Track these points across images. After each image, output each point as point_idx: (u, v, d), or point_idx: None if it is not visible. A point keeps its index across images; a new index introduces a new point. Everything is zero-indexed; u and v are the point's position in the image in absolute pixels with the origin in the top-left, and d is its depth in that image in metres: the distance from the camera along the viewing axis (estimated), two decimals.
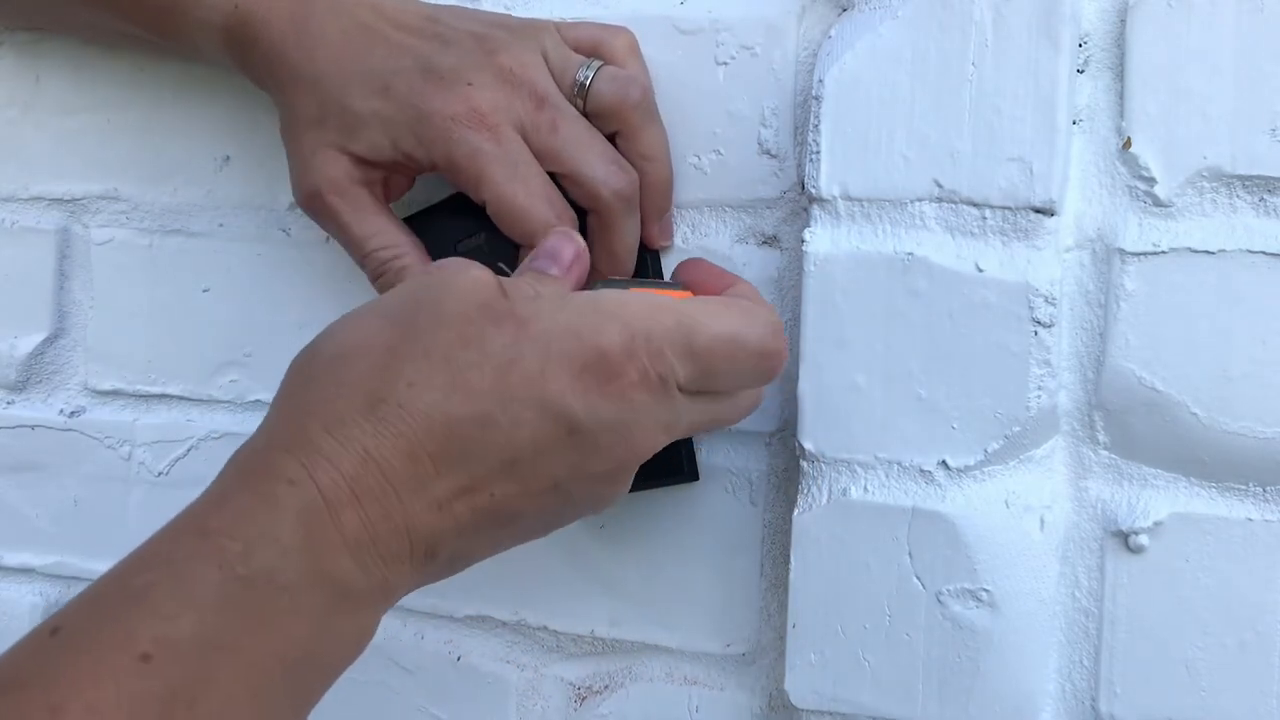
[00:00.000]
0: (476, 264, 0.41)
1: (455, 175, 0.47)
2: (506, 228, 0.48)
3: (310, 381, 0.39)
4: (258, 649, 0.34)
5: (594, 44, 0.50)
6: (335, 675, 0.38)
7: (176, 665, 0.33)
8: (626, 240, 0.50)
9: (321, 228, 0.51)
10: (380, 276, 0.50)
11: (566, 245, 0.44)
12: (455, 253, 0.50)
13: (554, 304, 0.40)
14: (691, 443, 0.52)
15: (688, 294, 0.44)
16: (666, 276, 0.53)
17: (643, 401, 0.40)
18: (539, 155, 0.48)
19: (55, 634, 0.33)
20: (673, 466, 0.51)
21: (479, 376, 0.38)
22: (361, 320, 0.40)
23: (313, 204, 0.50)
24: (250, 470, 0.37)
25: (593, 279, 0.47)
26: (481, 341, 0.38)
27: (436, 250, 0.51)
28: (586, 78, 0.49)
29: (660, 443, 0.41)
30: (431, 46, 0.48)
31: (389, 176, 0.50)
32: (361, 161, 0.49)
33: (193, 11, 0.50)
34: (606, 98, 0.49)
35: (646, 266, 0.52)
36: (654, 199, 0.51)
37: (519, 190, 0.47)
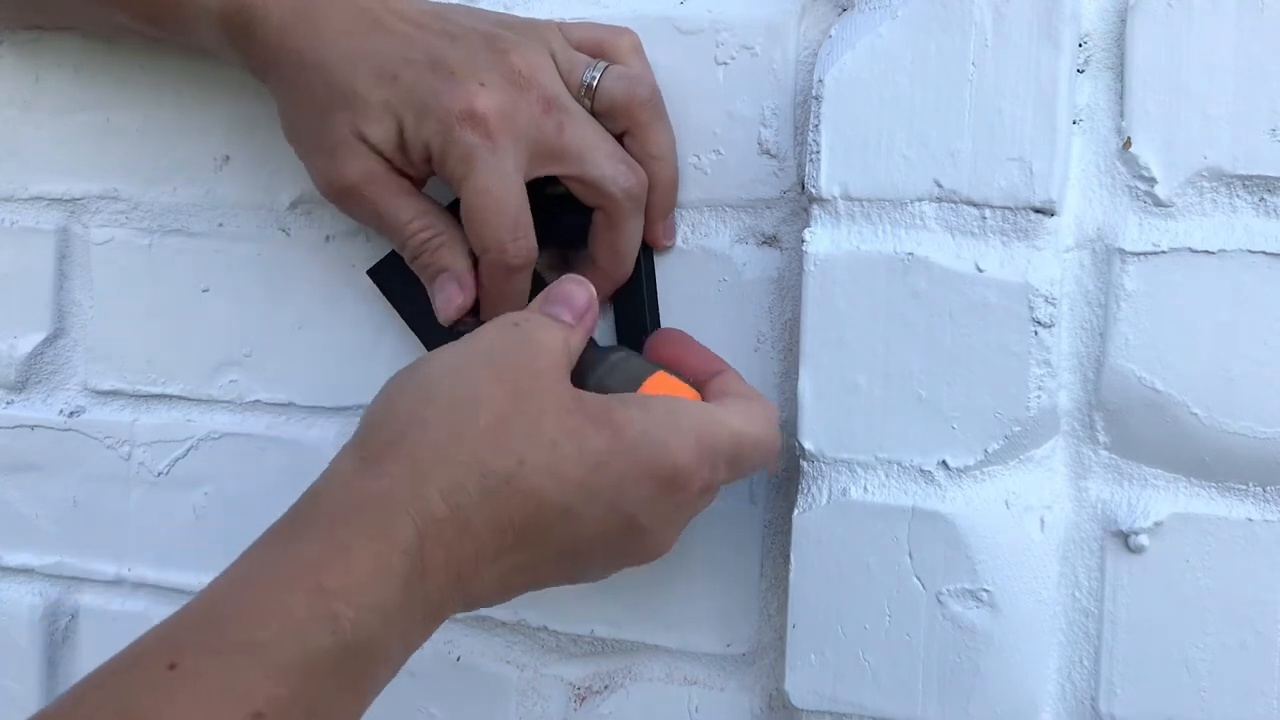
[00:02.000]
0: (546, 322, 0.44)
1: (442, 170, 0.47)
2: (469, 230, 0.48)
3: (426, 428, 0.40)
4: (350, 713, 0.37)
5: (597, 44, 0.50)
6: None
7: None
8: (631, 240, 0.50)
9: (352, 217, 0.52)
10: (419, 257, 0.50)
11: (580, 293, 0.46)
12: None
13: (640, 411, 0.42)
14: None
15: (694, 394, 0.46)
16: (661, 276, 0.53)
17: (696, 506, 0.45)
18: (548, 157, 0.48)
19: (173, 670, 0.34)
20: None
21: (575, 469, 0.41)
22: (470, 370, 0.42)
23: (345, 196, 0.50)
24: (369, 522, 0.39)
25: (592, 278, 0.47)
26: (581, 437, 0.41)
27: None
28: (594, 78, 0.49)
29: (698, 509, 0.46)
30: (441, 41, 0.47)
31: (404, 164, 0.50)
32: (376, 149, 0.48)
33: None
34: (615, 96, 0.49)
35: (640, 264, 0.52)
36: (660, 198, 0.51)
37: (489, 204, 0.47)
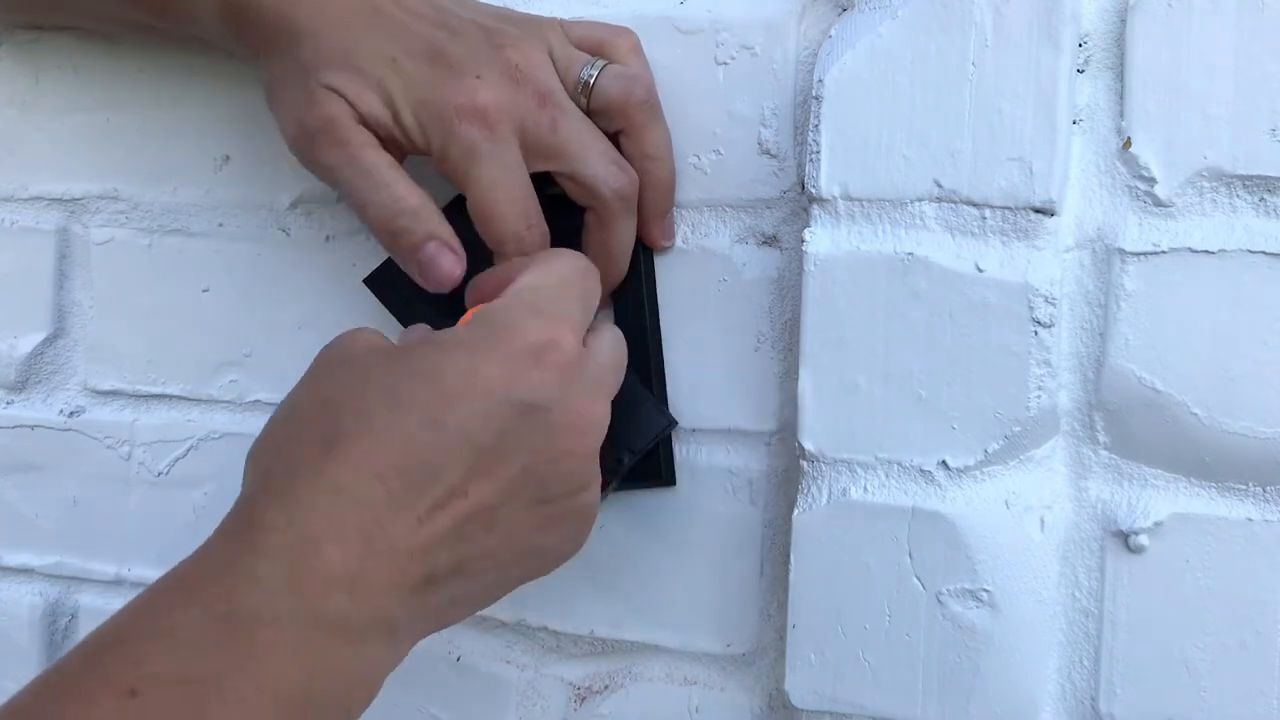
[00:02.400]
0: (370, 330, 0.44)
1: (443, 165, 0.47)
2: (479, 227, 0.48)
3: (264, 453, 0.41)
4: (244, 685, 0.34)
5: (597, 43, 0.50)
6: (352, 714, 0.38)
7: (164, 700, 0.33)
8: (622, 240, 0.50)
9: (321, 169, 0.48)
10: (399, 219, 0.48)
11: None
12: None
13: (457, 331, 0.42)
14: (671, 447, 0.52)
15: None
16: (661, 276, 0.53)
17: (581, 368, 0.42)
18: (540, 153, 0.48)
19: (48, 678, 0.34)
20: (650, 470, 0.52)
21: (414, 388, 0.39)
22: (290, 397, 0.43)
23: (318, 134, 0.47)
24: (229, 530, 0.39)
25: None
26: (409, 363, 0.41)
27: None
28: (591, 76, 0.49)
29: (603, 411, 0.43)
30: (440, 34, 0.47)
31: (388, 135, 0.48)
32: (362, 120, 0.47)
33: None
34: (611, 95, 0.49)
35: (639, 263, 0.52)
36: (656, 198, 0.51)
37: (500, 197, 0.47)
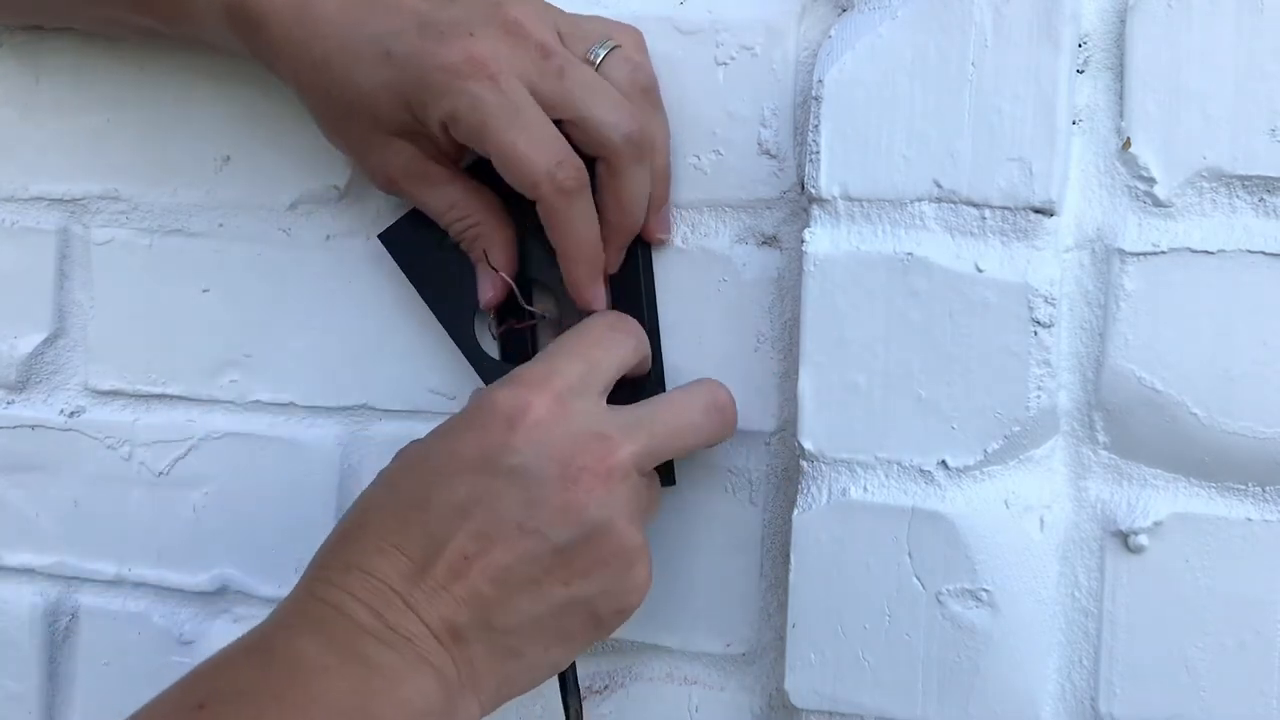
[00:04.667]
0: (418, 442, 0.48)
1: (458, 128, 0.46)
2: (510, 179, 0.46)
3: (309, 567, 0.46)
4: (299, 696, 0.40)
5: (606, 35, 0.49)
6: None
7: (228, 709, 0.39)
8: (636, 189, 0.48)
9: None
10: (462, 243, 0.52)
11: None
12: None
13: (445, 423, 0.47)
14: None
15: None
16: (661, 276, 0.53)
17: (559, 422, 0.44)
18: (545, 104, 0.46)
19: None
20: None
21: (405, 478, 0.45)
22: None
23: (391, 192, 0.52)
24: (273, 619, 0.44)
25: (604, 235, 0.49)
26: (405, 458, 0.46)
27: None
28: (599, 55, 0.48)
29: (599, 449, 0.44)
30: (432, 5, 0.46)
31: (431, 144, 0.49)
32: (402, 136, 0.48)
33: None
34: (619, 78, 0.48)
35: (638, 260, 0.52)
36: (654, 191, 0.50)
37: (520, 138, 0.45)
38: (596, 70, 0.48)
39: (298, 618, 0.43)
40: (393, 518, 0.44)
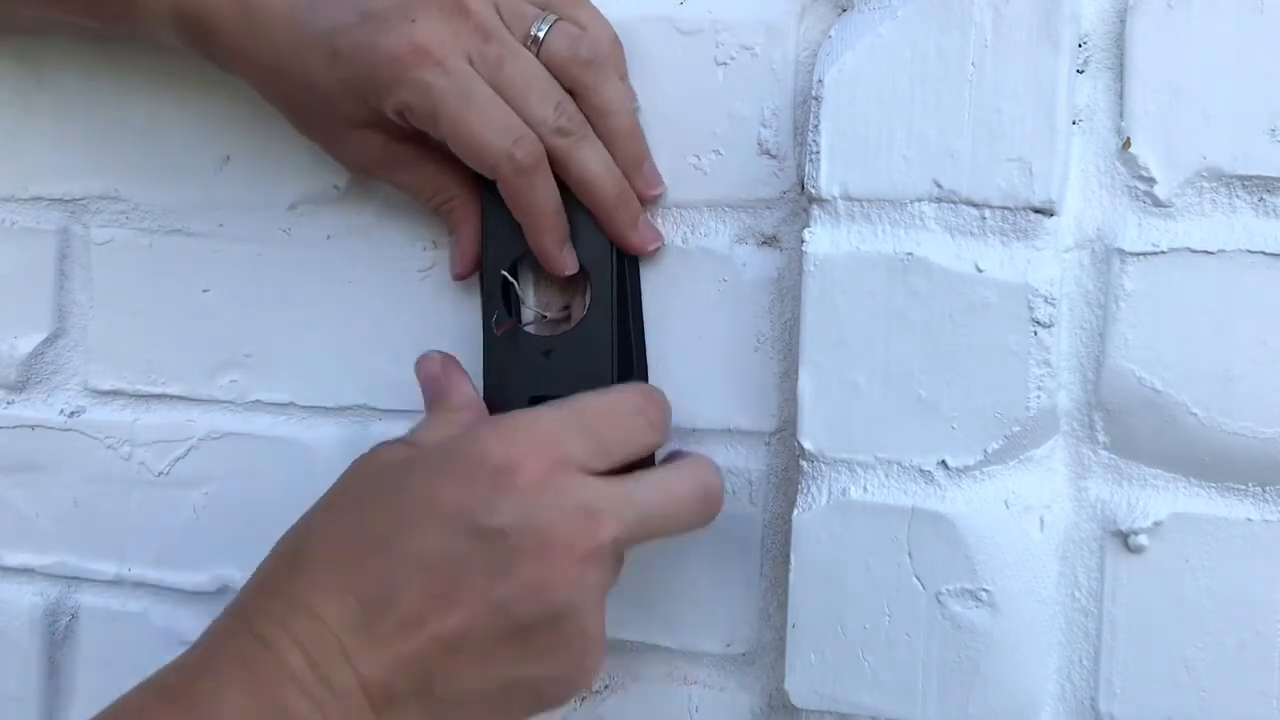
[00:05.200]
0: (392, 445, 0.46)
1: (413, 117, 0.46)
2: (469, 162, 0.47)
3: (275, 550, 0.43)
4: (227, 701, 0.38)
5: (543, 10, 0.49)
6: None
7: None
8: (589, 166, 0.48)
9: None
10: (443, 217, 0.52)
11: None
12: None
13: (427, 434, 0.45)
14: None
15: None
16: (660, 276, 0.52)
17: (548, 490, 0.41)
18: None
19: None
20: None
21: (375, 512, 0.41)
22: (324, 495, 0.45)
23: (368, 176, 0.52)
24: (203, 646, 0.41)
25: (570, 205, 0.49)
26: (380, 480, 0.43)
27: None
28: (541, 31, 0.47)
29: (584, 527, 0.41)
30: None
31: (398, 129, 0.49)
32: (367, 127, 0.48)
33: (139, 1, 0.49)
34: (558, 54, 0.47)
35: (624, 267, 0.51)
36: (625, 149, 0.49)
37: (473, 121, 0.45)
38: (540, 47, 0.47)
39: (227, 659, 0.39)
40: (351, 551, 0.41)
